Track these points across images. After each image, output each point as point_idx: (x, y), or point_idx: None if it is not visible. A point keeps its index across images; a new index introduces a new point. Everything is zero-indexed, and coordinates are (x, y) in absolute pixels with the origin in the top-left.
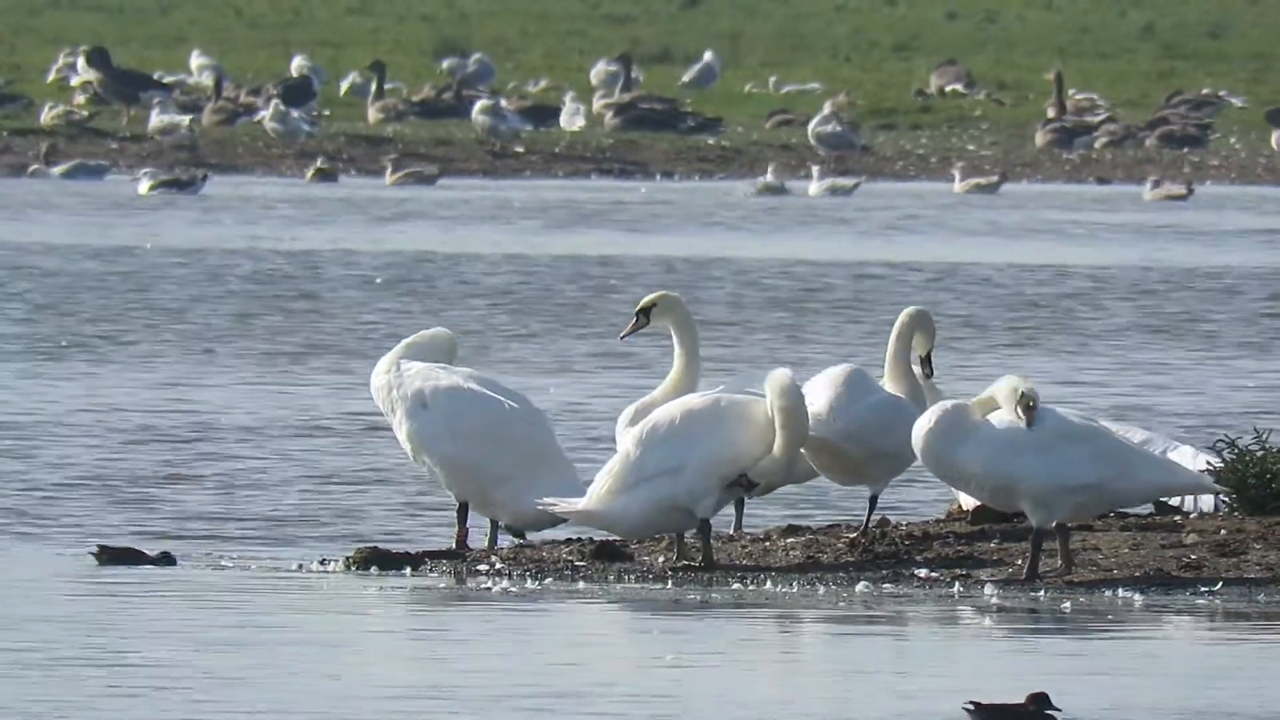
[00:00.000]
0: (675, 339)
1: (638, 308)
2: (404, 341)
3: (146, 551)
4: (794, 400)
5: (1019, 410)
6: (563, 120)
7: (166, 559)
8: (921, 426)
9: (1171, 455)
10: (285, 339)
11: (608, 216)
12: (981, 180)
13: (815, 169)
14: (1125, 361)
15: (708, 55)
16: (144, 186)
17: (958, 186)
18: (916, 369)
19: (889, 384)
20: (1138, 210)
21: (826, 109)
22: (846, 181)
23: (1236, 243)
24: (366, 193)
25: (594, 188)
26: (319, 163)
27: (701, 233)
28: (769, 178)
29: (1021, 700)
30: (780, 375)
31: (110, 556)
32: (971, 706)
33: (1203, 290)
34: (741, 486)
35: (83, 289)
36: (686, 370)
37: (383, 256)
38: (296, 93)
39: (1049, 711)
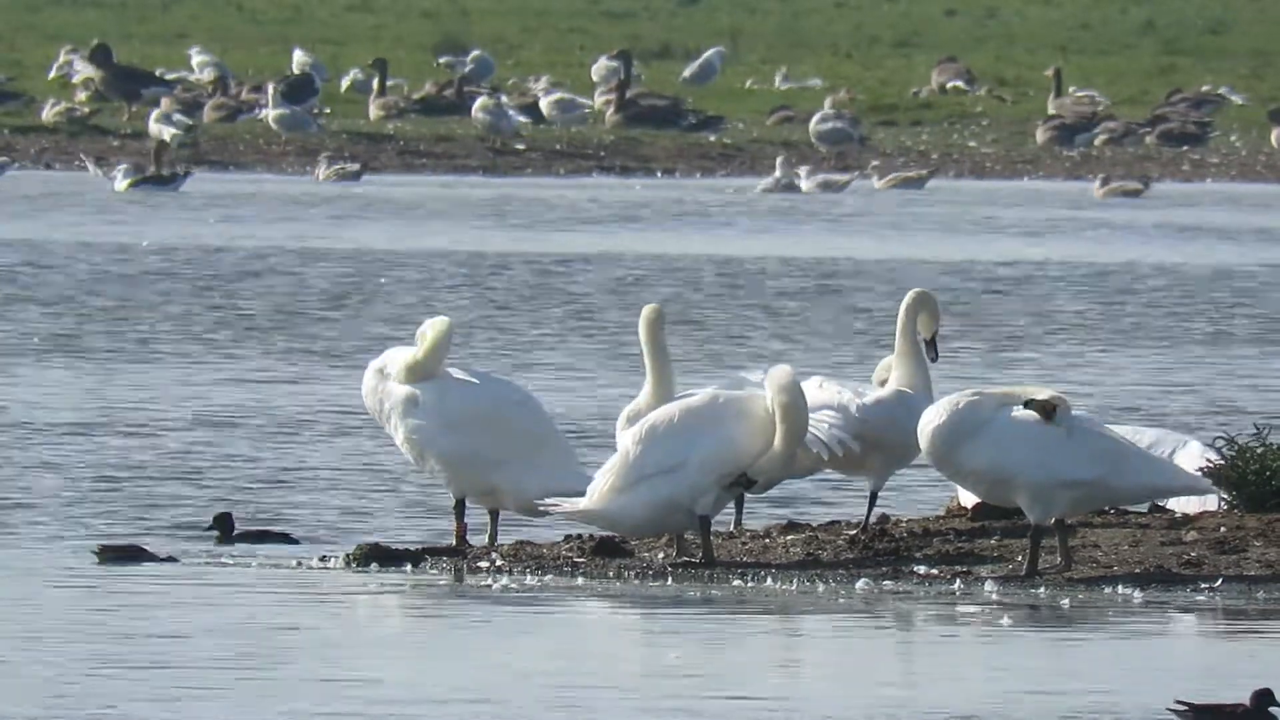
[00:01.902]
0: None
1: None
2: (407, 350)
3: (148, 549)
4: (794, 395)
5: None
6: (544, 109)
7: (168, 557)
8: (929, 421)
9: (1181, 452)
10: (281, 338)
11: (608, 214)
12: (910, 174)
13: (803, 168)
14: (1116, 359)
15: (709, 51)
16: (121, 183)
17: (879, 183)
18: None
19: (897, 367)
20: (1086, 207)
21: (827, 105)
22: (839, 178)
23: (1179, 240)
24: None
25: (595, 185)
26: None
27: (700, 231)
28: (779, 173)
29: (1237, 700)
30: (780, 371)
31: (112, 555)
32: (1183, 707)
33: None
34: (741, 485)
35: (66, 287)
36: (659, 382)
37: (367, 255)
38: (298, 90)
39: (1271, 709)
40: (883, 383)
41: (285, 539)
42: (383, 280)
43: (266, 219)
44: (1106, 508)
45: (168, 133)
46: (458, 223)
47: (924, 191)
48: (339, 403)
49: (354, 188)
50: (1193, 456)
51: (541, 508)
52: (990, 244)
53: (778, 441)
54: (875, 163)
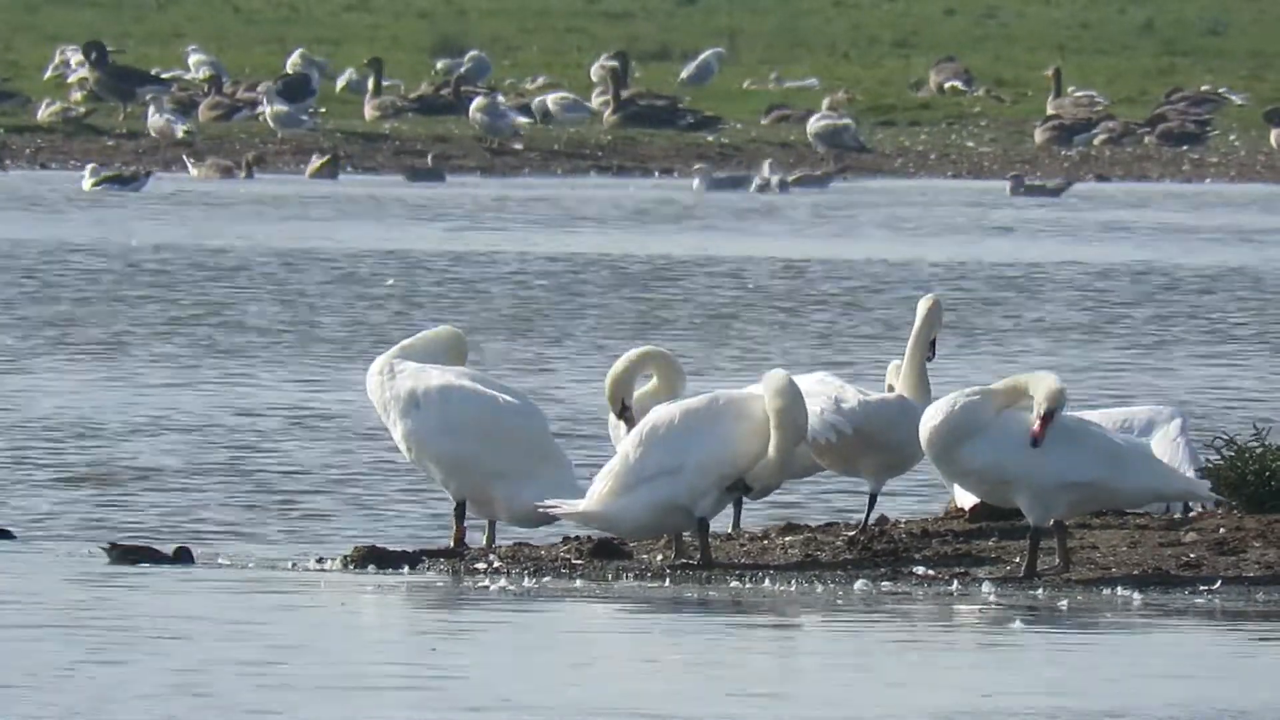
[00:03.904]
0: (661, 383)
1: (609, 398)
2: (400, 344)
3: (161, 550)
4: (789, 400)
5: (1037, 417)
6: (549, 106)
7: (185, 556)
8: (929, 419)
9: (1163, 429)
10: (282, 338)
11: (606, 214)
12: (816, 172)
13: (697, 167)
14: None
15: (707, 52)
16: (88, 182)
17: (776, 180)
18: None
19: (905, 374)
20: (998, 207)
21: (825, 105)
22: (772, 177)
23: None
24: (288, 188)
25: (592, 185)
26: (321, 157)
27: (698, 231)
28: (766, 174)
29: None
30: (776, 375)
31: (121, 554)
32: None
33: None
34: (739, 489)
35: (61, 285)
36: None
37: (351, 255)
38: (294, 89)
39: None
40: (891, 387)
41: (4, 535)
42: (389, 281)
43: (230, 218)
44: (1106, 510)
45: (161, 120)
46: (457, 223)
47: (828, 191)
48: (336, 404)
49: (337, 187)
50: (1168, 439)
51: (541, 509)
52: (881, 243)
53: (773, 447)
54: (770, 161)
